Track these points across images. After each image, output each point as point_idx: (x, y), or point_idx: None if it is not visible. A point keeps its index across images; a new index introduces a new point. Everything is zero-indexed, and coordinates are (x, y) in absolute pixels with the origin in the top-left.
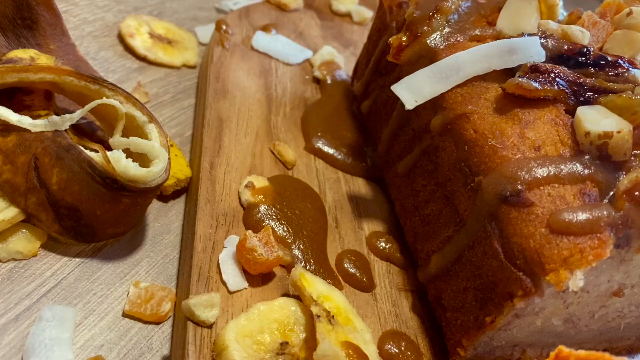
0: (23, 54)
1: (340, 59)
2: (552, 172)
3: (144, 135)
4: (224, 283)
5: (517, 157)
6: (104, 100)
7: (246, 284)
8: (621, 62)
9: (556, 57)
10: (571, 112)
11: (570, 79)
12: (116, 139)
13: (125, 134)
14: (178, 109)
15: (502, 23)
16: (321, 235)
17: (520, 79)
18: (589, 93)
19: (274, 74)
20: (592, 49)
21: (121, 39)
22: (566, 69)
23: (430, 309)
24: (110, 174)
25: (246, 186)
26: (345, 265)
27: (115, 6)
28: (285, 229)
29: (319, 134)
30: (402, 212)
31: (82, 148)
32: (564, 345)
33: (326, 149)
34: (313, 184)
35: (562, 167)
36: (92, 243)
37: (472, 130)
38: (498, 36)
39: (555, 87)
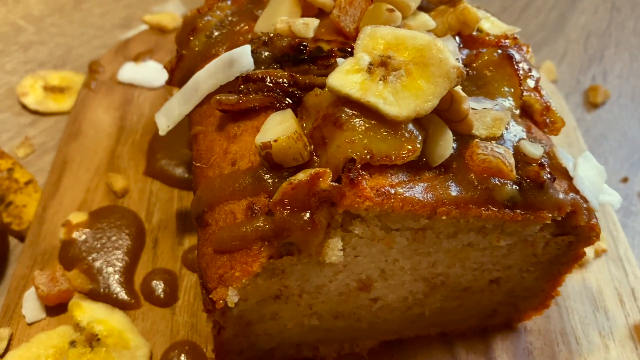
0: None
1: None
2: (230, 189)
3: None
4: (23, 316)
5: (215, 175)
6: None
7: (44, 315)
8: (337, 50)
9: (279, 57)
10: None
11: (283, 81)
12: None
13: None
14: None
15: (259, 25)
16: (130, 258)
17: (219, 95)
18: (300, 92)
19: (134, 102)
20: (307, 44)
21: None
22: (281, 70)
23: None
24: None
25: (63, 225)
26: (147, 284)
27: (22, 67)
28: (91, 259)
29: (158, 155)
30: None
31: None
32: (371, 336)
33: (163, 169)
34: (141, 208)
35: (241, 181)
36: None
37: (196, 151)
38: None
39: (260, 95)
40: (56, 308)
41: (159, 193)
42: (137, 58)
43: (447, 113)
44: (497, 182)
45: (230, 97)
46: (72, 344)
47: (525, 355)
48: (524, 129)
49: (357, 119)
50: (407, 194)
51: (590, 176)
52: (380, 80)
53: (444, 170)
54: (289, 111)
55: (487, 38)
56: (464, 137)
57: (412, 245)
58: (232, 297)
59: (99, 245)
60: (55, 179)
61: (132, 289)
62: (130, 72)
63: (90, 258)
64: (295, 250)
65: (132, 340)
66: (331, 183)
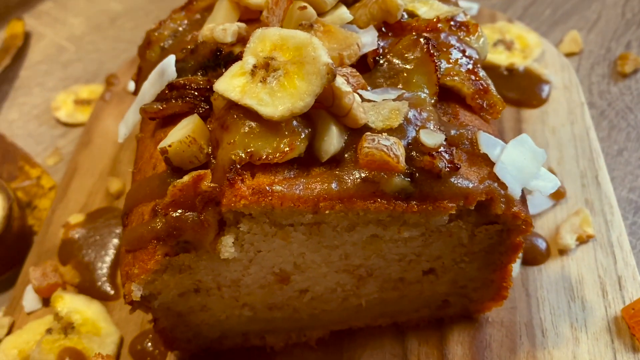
0: None
1: None
2: (144, 192)
3: None
4: (23, 307)
5: (139, 179)
6: None
7: (40, 306)
8: None
9: (203, 64)
10: None
11: (199, 86)
12: None
13: None
14: None
15: (203, 32)
16: (116, 254)
17: (144, 105)
18: None
19: None
20: (223, 49)
21: None
22: (202, 76)
23: None
24: None
25: (63, 225)
26: None
27: (61, 84)
28: (82, 255)
29: None
30: None
31: None
32: (318, 326)
33: None
34: None
35: (151, 184)
36: None
37: (135, 157)
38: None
39: (180, 101)
40: (50, 300)
41: None
42: None
43: (333, 109)
44: (383, 174)
45: (153, 106)
46: (49, 331)
47: (482, 348)
48: (432, 117)
49: (240, 121)
50: (286, 191)
51: (517, 161)
52: (260, 82)
53: (335, 165)
54: (194, 116)
55: (414, 24)
56: (361, 131)
57: (313, 239)
58: (135, 292)
59: (90, 243)
60: (65, 185)
61: (114, 282)
62: None
63: (81, 254)
64: (191, 248)
65: (103, 328)
66: (210, 184)
